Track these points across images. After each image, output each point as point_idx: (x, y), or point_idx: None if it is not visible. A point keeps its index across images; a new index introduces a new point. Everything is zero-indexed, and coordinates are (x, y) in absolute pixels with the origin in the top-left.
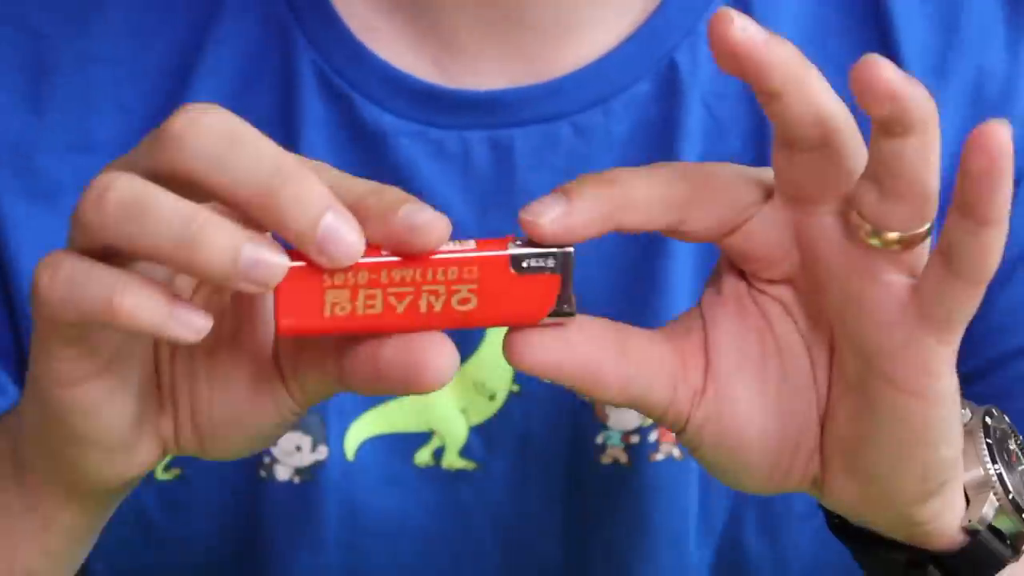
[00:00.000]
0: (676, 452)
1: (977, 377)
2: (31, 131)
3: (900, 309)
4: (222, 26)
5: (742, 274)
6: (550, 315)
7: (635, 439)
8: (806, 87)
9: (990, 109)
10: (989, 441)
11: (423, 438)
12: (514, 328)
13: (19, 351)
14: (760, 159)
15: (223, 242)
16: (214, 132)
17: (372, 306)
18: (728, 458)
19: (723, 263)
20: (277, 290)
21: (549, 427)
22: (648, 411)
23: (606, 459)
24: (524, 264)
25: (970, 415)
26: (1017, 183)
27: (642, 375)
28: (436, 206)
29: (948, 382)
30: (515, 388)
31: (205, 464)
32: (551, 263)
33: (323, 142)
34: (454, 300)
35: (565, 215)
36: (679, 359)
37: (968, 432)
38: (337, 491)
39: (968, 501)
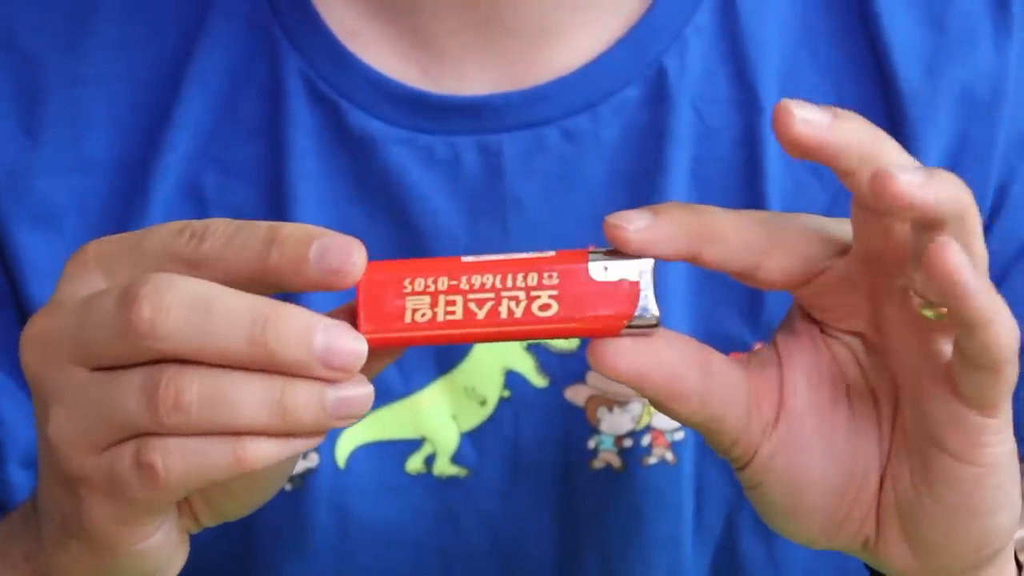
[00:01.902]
0: (669, 456)
1: None
2: (27, 155)
3: (946, 383)
4: (209, 32)
5: (815, 320)
6: (633, 325)
7: (628, 443)
8: (879, 163)
9: (980, 109)
10: None
11: (414, 445)
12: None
13: None
14: (750, 162)
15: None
16: (184, 307)
17: (453, 312)
18: (788, 499)
19: (796, 308)
20: (358, 299)
21: (541, 432)
22: (720, 435)
23: (598, 463)
24: (604, 268)
25: None
26: (1010, 183)
27: (722, 396)
28: (426, 212)
29: (1001, 450)
30: (506, 393)
31: None
32: (631, 271)
33: (312, 148)
34: (534, 306)
35: (650, 227)
36: (754, 390)
37: None
38: (328, 499)
39: (1019, 565)
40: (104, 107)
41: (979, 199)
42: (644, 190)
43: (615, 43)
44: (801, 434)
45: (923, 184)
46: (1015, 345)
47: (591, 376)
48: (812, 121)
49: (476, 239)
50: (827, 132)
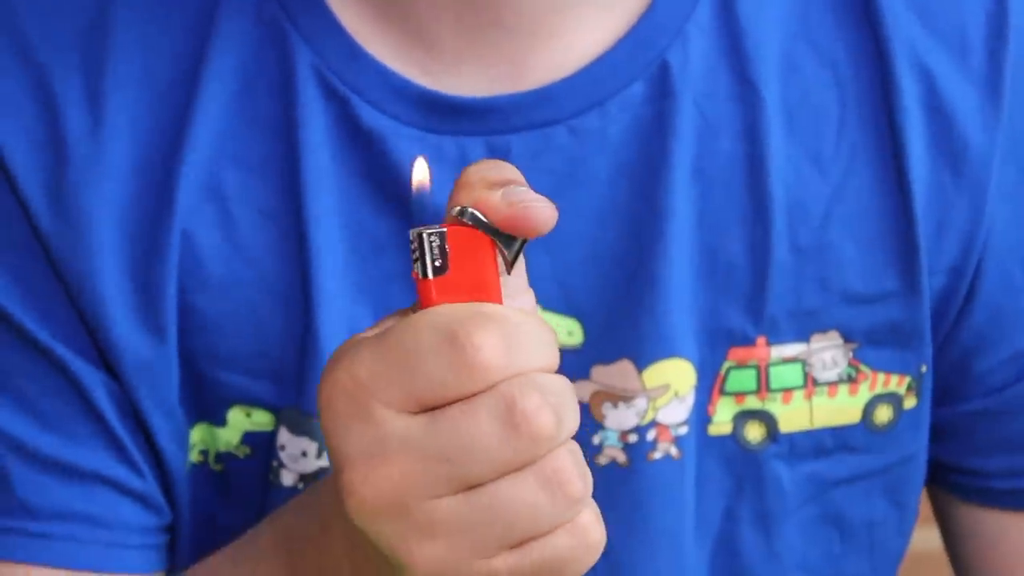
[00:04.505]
0: (673, 450)
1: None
2: (58, 172)
3: None
4: (220, 31)
5: None
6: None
7: (633, 438)
8: None
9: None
10: None
11: None
12: None
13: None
14: (751, 157)
15: None
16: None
17: None
18: None
19: None
20: None
21: None
22: None
23: (603, 459)
24: None
25: None
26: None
27: None
28: (435, 211)
29: None
30: None
31: (235, 465)
32: None
33: (323, 143)
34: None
35: None
36: None
37: None
38: None
39: None
40: (125, 114)
41: (977, 204)
42: (648, 185)
43: (618, 40)
44: None
45: None
46: None
47: (595, 372)
48: None
49: None
50: None
